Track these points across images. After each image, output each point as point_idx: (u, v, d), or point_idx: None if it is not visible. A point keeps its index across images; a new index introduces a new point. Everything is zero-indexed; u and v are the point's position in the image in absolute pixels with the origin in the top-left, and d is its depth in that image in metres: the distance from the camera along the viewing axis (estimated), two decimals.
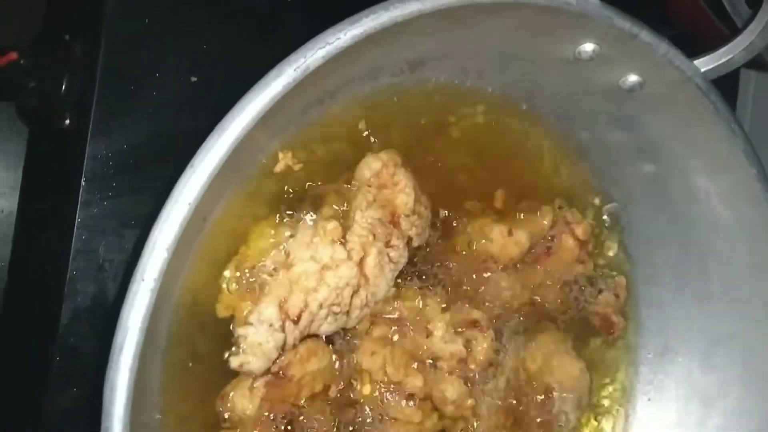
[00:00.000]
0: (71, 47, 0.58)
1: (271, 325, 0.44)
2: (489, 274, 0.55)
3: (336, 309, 0.46)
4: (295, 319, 0.44)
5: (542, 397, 0.56)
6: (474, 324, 0.53)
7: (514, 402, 0.57)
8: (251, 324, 0.44)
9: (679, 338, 0.61)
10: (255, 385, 0.44)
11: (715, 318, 0.60)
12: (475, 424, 0.54)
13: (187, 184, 0.36)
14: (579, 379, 0.57)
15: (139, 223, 0.53)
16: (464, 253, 0.54)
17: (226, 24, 0.58)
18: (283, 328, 0.44)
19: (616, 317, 0.60)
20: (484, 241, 0.54)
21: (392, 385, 0.50)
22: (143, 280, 0.35)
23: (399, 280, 0.50)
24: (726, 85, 0.54)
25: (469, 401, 0.52)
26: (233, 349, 0.45)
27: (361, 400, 0.50)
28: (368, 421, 0.50)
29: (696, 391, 0.61)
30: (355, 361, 0.49)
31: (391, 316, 0.50)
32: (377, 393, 0.50)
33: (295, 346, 0.46)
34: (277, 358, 0.45)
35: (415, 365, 0.51)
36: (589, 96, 0.53)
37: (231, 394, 0.44)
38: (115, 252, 0.54)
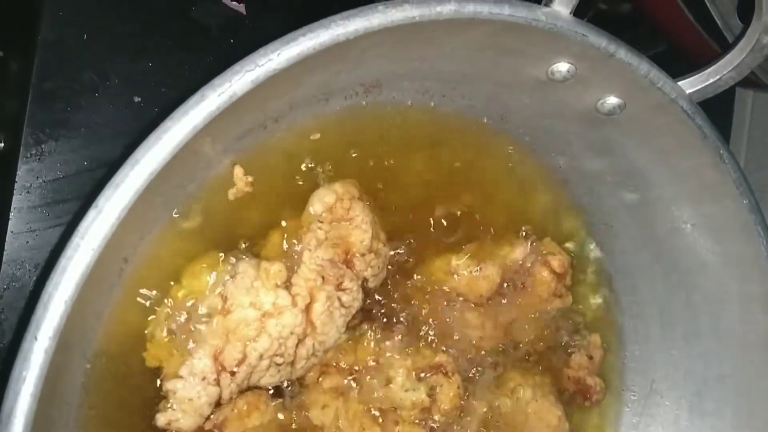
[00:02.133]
0: (5, 64, 0.53)
1: (204, 379, 0.39)
2: (456, 312, 0.50)
3: (279, 360, 0.40)
4: (232, 371, 0.39)
5: None
6: (438, 368, 0.47)
7: None
8: (181, 377, 0.39)
9: (666, 379, 0.56)
10: None
11: (704, 359, 0.55)
12: None
13: (90, 228, 0.31)
14: (557, 428, 0.52)
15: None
16: (428, 290, 0.49)
17: (173, 41, 0.54)
18: (218, 382, 0.39)
19: (592, 379, 0.54)
20: (449, 277, 0.49)
21: None
22: (36, 339, 0.30)
23: (354, 323, 0.45)
24: (719, 105, 0.49)
25: None
26: (162, 404, 0.39)
27: None
28: None
29: None
30: (304, 415, 0.44)
31: (344, 365, 0.45)
32: None
33: (232, 399, 0.40)
34: (212, 414, 0.40)
35: (374, 415, 0.46)
36: (564, 119, 0.49)
37: None
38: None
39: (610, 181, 0.53)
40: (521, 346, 0.53)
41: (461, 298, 0.50)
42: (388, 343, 0.47)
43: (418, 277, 0.49)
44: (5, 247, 0.49)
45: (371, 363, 0.46)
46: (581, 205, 0.55)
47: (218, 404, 0.40)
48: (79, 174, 0.50)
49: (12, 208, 0.49)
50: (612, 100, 0.46)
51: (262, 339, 0.40)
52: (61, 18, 0.50)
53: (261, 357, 0.40)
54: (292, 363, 0.41)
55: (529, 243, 0.53)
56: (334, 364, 0.45)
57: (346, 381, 0.45)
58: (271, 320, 0.40)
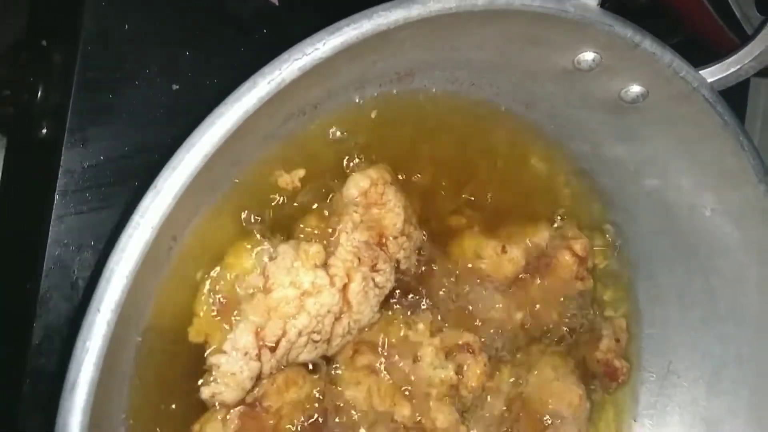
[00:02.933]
0: (49, 55, 0.55)
1: (246, 354, 0.41)
2: (482, 294, 0.52)
3: (316, 337, 0.42)
4: (273, 346, 0.41)
5: (539, 426, 0.53)
6: (466, 348, 0.49)
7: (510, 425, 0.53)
8: (225, 352, 0.41)
9: (684, 361, 0.58)
10: (228, 417, 0.41)
11: (722, 340, 0.56)
12: None
13: (149, 207, 0.33)
14: (579, 407, 0.54)
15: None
16: (455, 272, 0.51)
17: (210, 30, 0.55)
18: (259, 357, 0.41)
19: (619, 362, 0.56)
20: (476, 259, 0.51)
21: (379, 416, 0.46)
22: (99, 311, 0.32)
23: (385, 304, 0.47)
24: (734, 94, 0.51)
25: (462, 429, 0.49)
26: (205, 378, 0.41)
27: None
28: None
29: (701, 417, 0.58)
30: (338, 391, 0.46)
31: (376, 343, 0.47)
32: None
33: (271, 375, 0.42)
34: (253, 388, 0.42)
35: (405, 392, 0.48)
36: (588, 107, 0.50)
37: (201, 428, 0.41)
38: (90, 269, 0.51)
39: (632, 169, 0.54)
40: (544, 328, 0.55)
41: (487, 281, 0.52)
42: (416, 323, 0.48)
43: (446, 260, 0.51)
44: (50, 230, 0.51)
45: (401, 342, 0.48)
46: (603, 192, 0.56)
47: (259, 378, 0.42)
48: (120, 159, 0.52)
49: (56, 192, 0.51)
50: (635, 89, 0.47)
51: (302, 317, 0.41)
52: (103, 9, 0.52)
53: (300, 334, 0.42)
54: (329, 340, 0.43)
55: (552, 228, 0.55)
56: (367, 342, 0.47)
57: (377, 359, 0.47)
58: (310, 299, 0.41)
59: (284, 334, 0.41)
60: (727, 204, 0.53)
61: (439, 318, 0.50)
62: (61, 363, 0.50)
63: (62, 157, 0.51)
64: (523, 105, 0.52)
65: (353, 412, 0.46)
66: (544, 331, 0.55)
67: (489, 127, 0.51)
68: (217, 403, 0.41)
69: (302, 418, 0.44)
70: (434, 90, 0.48)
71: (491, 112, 0.51)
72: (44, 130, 0.54)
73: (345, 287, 0.43)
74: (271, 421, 0.42)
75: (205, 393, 0.41)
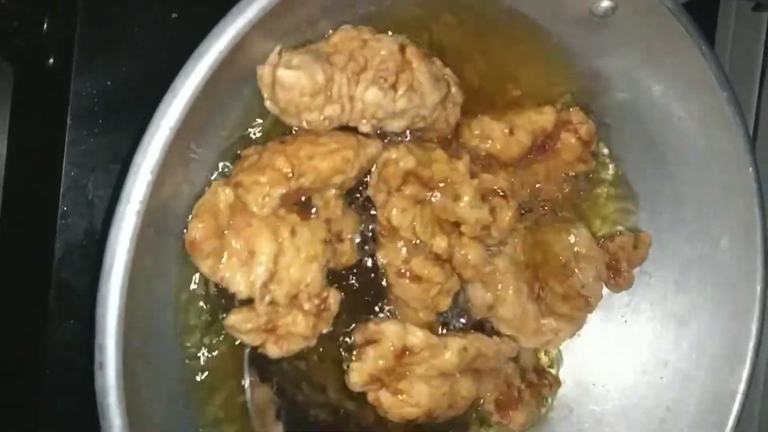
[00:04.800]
0: None
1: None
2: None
3: (382, 81, 0.45)
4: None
5: (561, 271, 0.57)
6: (500, 192, 0.53)
7: (533, 275, 0.58)
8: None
9: (654, 262, 0.63)
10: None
11: (688, 242, 0.61)
12: (499, 286, 0.55)
13: (168, 109, 0.37)
14: (593, 247, 0.57)
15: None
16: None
17: None
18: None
19: (625, 267, 0.60)
20: (485, 140, 0.54)
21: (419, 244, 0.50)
22: (129, 202, 0.36)
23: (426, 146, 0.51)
24: (704, 14, 0.54)
25: (489, 267, 0.54)
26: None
27: (384, 261, 0.51)
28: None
29: (670, 312, 0.63)
30: (385, 216, 0.50)
31: (423, 177, 0.50)
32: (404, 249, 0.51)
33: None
34: None
35: (443, 226, 0.52)
36: (562, 23, 0.54)
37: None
38: (104, 187, 0.55)
39: (605, 82, 0.58)
40: (546, 205, 0.59)
41: (495, 161, 0.55)
42: (458, 164, 0.52)
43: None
44: (65, 153, 0.54)
45: (444, 180, 0.51)
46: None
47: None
48: (127, 84, 0.55)
49: (69, 118, 0.55)
50: (605, 3, 0.51)
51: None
52: None
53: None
54: (393, 98, 0.45)
55: (557, 111, 0.57)
56: (415, 174, 0.50)
57: (423, 192, 0.50)
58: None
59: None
60: (692, 112, 0.57)
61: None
62: (82, 275, 0.54)
63: (72, 84, 0.55)
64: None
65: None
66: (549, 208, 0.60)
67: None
68: None
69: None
70: None
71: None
72: (52, 60, 0.57)
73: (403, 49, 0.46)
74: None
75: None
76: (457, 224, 0.52)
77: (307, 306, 0.45)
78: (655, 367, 0.62)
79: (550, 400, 0.62)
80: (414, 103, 0.46)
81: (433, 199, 0.51)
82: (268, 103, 0.44)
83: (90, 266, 0.54)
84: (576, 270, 0.57)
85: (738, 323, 0.59)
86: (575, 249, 0.57)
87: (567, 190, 0.60)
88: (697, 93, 0.56)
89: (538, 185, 0.58)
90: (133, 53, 0.56)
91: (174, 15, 0.57)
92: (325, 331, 0.48)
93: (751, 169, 0.57)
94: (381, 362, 0.49)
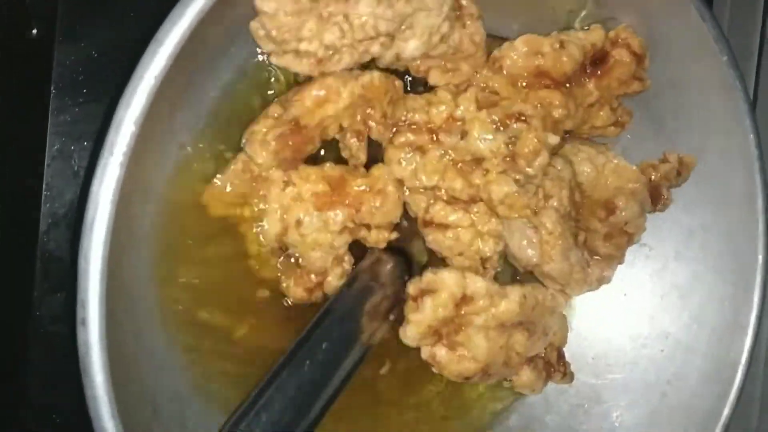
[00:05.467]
0: None
1: None
2: (540, 91, 0.51)
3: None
4: None
5: (603, 207, 0.54)
6: (517, 117, 0.49)
7: (575, 216, 0.55)
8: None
9: (653, 233, 0.62)
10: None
11: (688, 211, 0.61)
12: (545, 245, 0.51)
13: (152, 60, 0.36)
14: (637, 180, 0.55)
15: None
16: (511, 71, 0.51)
17: None
18: None
19: (667, 192, 0.58)
20: (533, 56, 0.51)
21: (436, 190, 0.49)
22: (111, 154, 0.35)
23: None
24: None
25: (524, 200, 0.50)
26: None
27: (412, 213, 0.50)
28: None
29: (671, 284, 0.62)
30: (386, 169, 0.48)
31: (419, 122, 0.48)
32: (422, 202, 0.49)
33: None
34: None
35: (459, 168, 0.49)
36: None
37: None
38: (89, 157, 0.54)
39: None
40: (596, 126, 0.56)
41: (546, 77, 0.51)
42: (463, 98, 0.49)
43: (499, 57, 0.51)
44: (49, 122, 0.54)
45: (446, 119, 0.49)
46: None
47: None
48: (111, 52, 0.55)
49: (52, 87, 0.54)
50: None
51: None
52: None
53: None
54: (390, 2, 0.43)
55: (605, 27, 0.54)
56: (408, 122, 0.48)
57: (420, 137, 0.48)
58: None
59: None
60: (692, 77, 0.56)
61: (490, 99, 0.50)
62: (69, 246, 0.54)
63: (55, 53, 0.54)
64: None
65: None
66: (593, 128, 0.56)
67: None
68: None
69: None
70: None
71: None
72: (35, 30, 0.57)
73: None
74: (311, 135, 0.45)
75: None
76: (479, 162, 0.49)
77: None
78: (655, 340, 0.61)
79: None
80: (413, 4, 0.44)
81: (441, 142, 0.48)
82: (269, 56, 0.43)
83: (76, 237, 0.53)
84: (619, 205, 0.55)
85: (740, 293, 0.58)
86: (619, 183, 0.55)
87: (619, 114, 0.56)
88: (696, 57, 0.55)
89: (590, 107, 0.55)
90: (117, 21, 0.55)
91: None
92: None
93: (751, 135, 0.56)
94: (440, 312, 0.48)
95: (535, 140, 0.49)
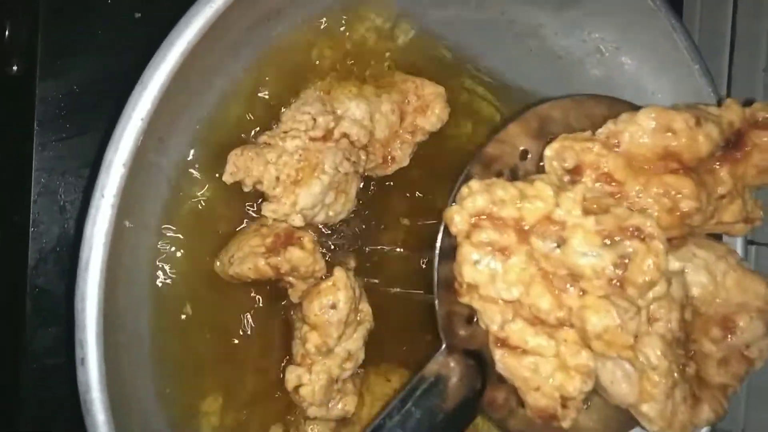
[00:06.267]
0: None
1: None
2: (665, 177, 0.42)
3: None
4: None
5: (719, 326, 0.45)
6: (633, 232, 0.40)
7: (684, 339, 0.45)
8: None
9: None
10: None
11: None
12: (645, 380, 0.42)
13: (138, 101, 0.38)
14: (765, 297, 0.46)
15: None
16: (631, 150, 0.43)
17: None
18: None
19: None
20: (662, 133, 0.42)
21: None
22: (103, 196, 0.37)
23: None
24: None
25: (625, 338, 0.40)
26: None
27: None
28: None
29: None
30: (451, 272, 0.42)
31: (505, 216, 0.40)
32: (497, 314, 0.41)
33: None
34: None
35: (549, 279, 0.41)
36: (536, 4, 0.55)
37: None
38: (75, 192, 0.55)
39: (578, 60, 0.60)
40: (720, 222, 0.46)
41: (675, 160, 0.43)
42: (566, 196, 0.40)
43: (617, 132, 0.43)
44: (34, 158, 0.55)
45: (544, 220, 0.41)
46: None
47: None
48: (93, 86, 0.56)
49: (35, 123, 0.55)
50: None
51: None
52: None
53: None
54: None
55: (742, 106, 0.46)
56: (491, 215, 0.41)
57: (504, 236, 0.40)
58: None
59: None
60: (665, 86, 0.58)
61: (601, 195, 0.42)
62: (58, 280, 0.55)
63: (37, 89, 0.55)
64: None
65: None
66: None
67: None
68: None
69: None
70: None
71: None
72: (15, 67, 0.58)
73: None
74: None
75: None
76: (576, 279, 0.40)
77: None
78: None
79: None
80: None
81: (533, 246, 0.40)
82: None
83: (65, 273, 0.55)
84: (740, 325, 0.45)
85: None
86: (742, 298, 0.45)
87: (750, 208, 0.47)
88: (669, 67, 0.57)
89: (722, 198, 0.45)
90: (98, 55, 0.57)
91: (137, 15, 0.58)
92: None
93: None
94: None
95: (654, 267, 0.39)
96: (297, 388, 0.49)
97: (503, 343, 0.41)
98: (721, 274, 0.46)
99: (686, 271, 0.45)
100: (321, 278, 0.48)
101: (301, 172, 0.47)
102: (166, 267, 0.46)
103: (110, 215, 0.37)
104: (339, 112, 0.49)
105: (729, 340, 0.45)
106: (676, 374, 0.42)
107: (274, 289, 0.51)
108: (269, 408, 0.52)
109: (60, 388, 0.54)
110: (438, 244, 0.43)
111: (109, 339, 0.37)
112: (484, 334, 0.43)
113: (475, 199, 0.40)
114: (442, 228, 0.43)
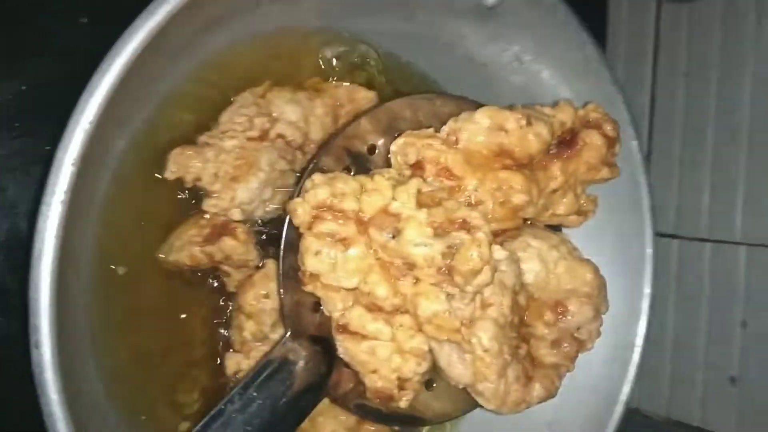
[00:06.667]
0: None
1: None
2: (499, 173, 0.46)
3: None
4: None
5: (551, 310, 0.49)
6: (461, 224, 0.43)
7: (518, 322, 0.48)
8: None
9: None
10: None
11: None
12: (479, 363, 0.45)
13: (86, 106, 0.41)
14: (593, 281, 0.50)
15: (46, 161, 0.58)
16: (469, 146, 0.46)
17: None
18: None
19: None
20: (496, 132, 0.46)
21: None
22: (54, 193, 0.41)
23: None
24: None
25: (453, 322, 0.44)
26: None
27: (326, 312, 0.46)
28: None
29: None
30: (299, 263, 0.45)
31: (346, 210, 0.43)
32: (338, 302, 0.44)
33: None
34: None
35: (387, 268, 0.44)
36: (456, 15, 0.60)
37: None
38: (25, 189, 0.58)
39: (499, 69, 0.65)
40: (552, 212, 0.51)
41: (508, 157, 0.46)
42: (402, 189, 0.44)
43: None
44: None
45: (379, 212, 0.43)
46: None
47: None
48: (42, 87, 0.59)
49: None
50: None
51: None
52: None
53: None
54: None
55: (575, 105, 0.51)
56: (333, 208, 0.43)
57: (345, 228, 0.43)
58: None
59: None
60: (580, 92, 0.64)
61: (437, 191, 0.45)
62: (8, 274, 0.58)
63: None
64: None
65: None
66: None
67: None
68: None
69: None
70: None
71: None
72: None
73: None
74: None
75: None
76: (411, 268, 0.43)
77: None
78: None
79: None
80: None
81: (372, 236, 0.43)
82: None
83: (16, 267, 0.58)
84: (570, 309, 0.50)
85: (633, 284, 0.67)
86: (572, 284, 0.50)
87: (583, 202, 0.51)
88: (581, 76, 0.63)
89: (553, 192, 0.49)
90: (46, 57, 0.60)
91: (84, 20, 0.61)
92: None
93: (634, 141, 0.65)
94: None
95: (477, 258, 0.42)
96: (236, 373, 0.54)
97: (344, 329, 0.44)
98: (553, 262, 0.49)
99: (521, 258, 0.49)
100: (255, 269, 0.53)
101: (239, 169, 0.51)
102: (113, 257, 0.50)
103: (60, 210, 0.41)
104: (275, 114, 0.54)
105: (561, 323, 0.49)
106: (507, 356, 0.45)
107: (214, 279, 0.56)
108: (212, 396, 0.56)
109: (13, 379, 0.57)
110: (284, 235, 0.46)
111: (60, 324, 0.41)
112: (329, 321, 0.46)
113: (317, 191, 0.43)
114: (287, 220, 0.46)
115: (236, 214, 0.52)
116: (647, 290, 0.66)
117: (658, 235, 0.72)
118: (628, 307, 0.67)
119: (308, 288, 0.45)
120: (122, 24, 0.45)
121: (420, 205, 0.43)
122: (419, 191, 0.44)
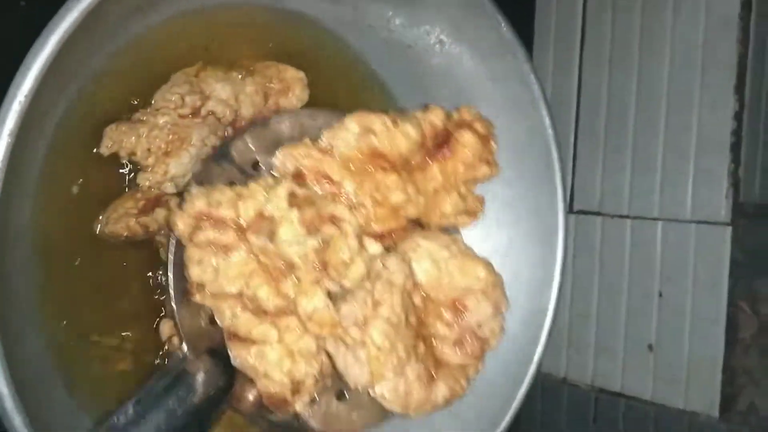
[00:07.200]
0: None
1: None
2: (376, 174, 0.49)
3: None
4: None
5: (450, 309, 0.50)
6: (330, 219, 0.46)
7: (416, 323, 0.49)
8: None
9: None
10: None
11: (506, 185, 0.73)
12: (374, 362, 0.46)
13: (22, 81, 0.45)
14: (488, 278, 0.51)
15: None
16: (344, 153, 0.48)
17: None
18: None
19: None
20: (366, 135, 0.48)
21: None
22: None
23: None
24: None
25: (332, 317, 0.45)
26: None
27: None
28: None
29: (493, 248, 0.74)
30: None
31: (224, 216, 0.45)
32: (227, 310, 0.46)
33: None
34: None
35: (269, 272, 0.46)
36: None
37: None
38: None
39: (420, 52, 0.70)
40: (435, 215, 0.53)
41: (382, 158, 0.49)
42: (274, 193, 0.46)
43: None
44: None
45: (256, 217, 0.45)
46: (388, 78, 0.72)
47: None
48: None
49: None
50: None
51: None
52: None
53: None
54: None
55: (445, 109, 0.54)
56: (212, 217, 0.45)
57: (224, 235, 0.45)
58: None
59: None
60: (497, 72, 0.69)
61: (309, 196, 0.47)
62: None
63: None
64: None
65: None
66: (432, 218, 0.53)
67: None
68: None
69: None
70: None
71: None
72: None
73: None
74: None
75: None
76: (291, 267, 0.45)
77: None
78: None
79: None
80: None
81: (251, 241, 0.45)
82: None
83: None
84: (468, 306, 0.51)
85: (546, 252, 0.72)
86: (466, 282, 0.51)
87: (469, 200, 0.54)
88: (498, 56, 0.68)
89: (436, 192, 0.52)
90: None
91: (22, 3, 0.64)
92: None
93: (547, 119, 0.70)
94: None
95: (346, 248, 0.44)
96: (170, 338, 0.58)
97: (234, 336, 0.45)
98: (444, 260, 0.50)
99: (412, 258, 0.50)
100: None
101: (171, 144, 0.55)
102: (50, 231, 0.53)
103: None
104: (207, 92, 0.58)
105: (460, 321, 0.50)
106: (402, 353, 0.46)
107: (151, 250, 0.59)
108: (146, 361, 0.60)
109: None
110: (172, 250, 0.48)
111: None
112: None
113: (194, 202, 0.45)
114: (176, 238, 0.48)
115: (169, 188, 0.56)
116: (559, 257, 0.72)
117: (583, 213, 0.78)
118: (542, 274, 0.72)
119: (197, 299, 0.46)
120: (59, 5, 0.49)
121: (292, 206, 0.46)
122: (293, 194, 0.46)
